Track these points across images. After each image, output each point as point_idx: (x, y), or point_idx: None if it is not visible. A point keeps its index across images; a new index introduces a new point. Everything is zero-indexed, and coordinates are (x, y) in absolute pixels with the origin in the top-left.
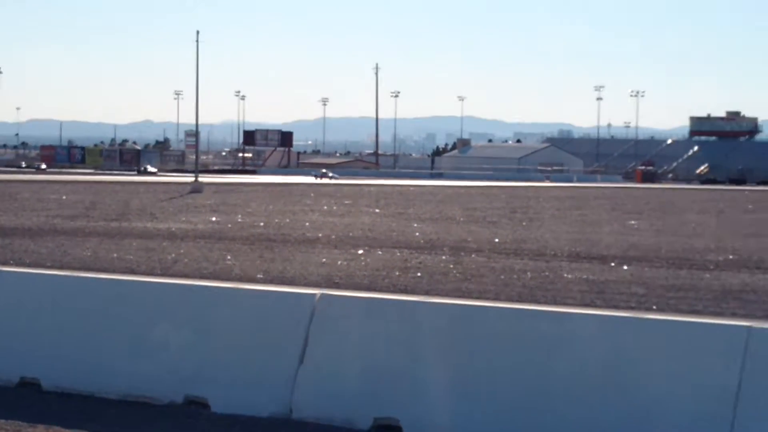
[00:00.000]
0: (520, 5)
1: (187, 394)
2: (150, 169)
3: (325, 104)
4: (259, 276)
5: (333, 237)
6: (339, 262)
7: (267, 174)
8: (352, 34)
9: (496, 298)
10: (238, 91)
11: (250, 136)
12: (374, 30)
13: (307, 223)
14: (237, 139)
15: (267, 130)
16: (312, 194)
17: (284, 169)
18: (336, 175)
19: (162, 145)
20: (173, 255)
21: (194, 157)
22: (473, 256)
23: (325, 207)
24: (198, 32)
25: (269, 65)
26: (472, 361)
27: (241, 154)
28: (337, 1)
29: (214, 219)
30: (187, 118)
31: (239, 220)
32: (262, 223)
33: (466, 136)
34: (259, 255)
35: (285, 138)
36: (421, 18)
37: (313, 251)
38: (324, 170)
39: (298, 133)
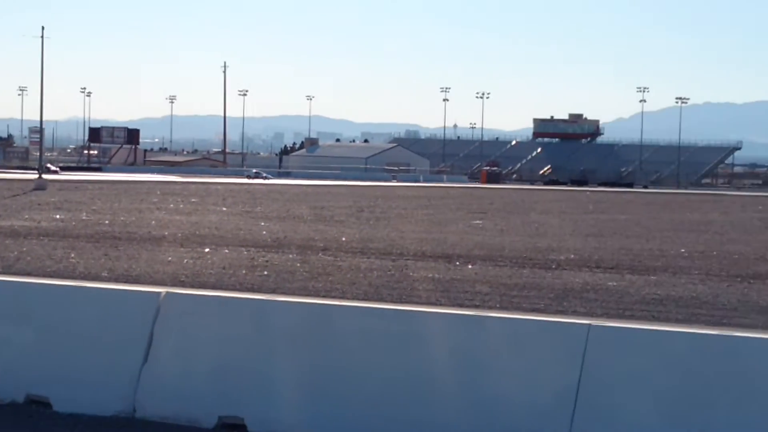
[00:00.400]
0: (367, 6)
1: (29, 393)
2: (52, 168)
3: (172, 102)
4: (104, 274)
5: (179, 235)
6: (185, 261)
7: (113, 171)
8: (201, 32)
9: (343, 297)
10: (84, 88)
11: (95, 134)
12: (223, 28)
13: (153, 221)
14: (83, 136)
15: (113, 128)
16: (158, 192)
17: (131, 166)
18: (270, 176)
19: (6, 142)
20: (15, 253)
21: (38, 153)
22: (320, 254)
23: (172, 205)
24: (43, 28)
25: (116, 62)
26: (320, 360)
27: (86, 152)
28: None
29: (58, 216)
30: (32, 115)
31: (84, 217)
32: (107, 221)
33: (314, 135)
34: (104, 253)
35: (131, 135)
36: (270, 17)
37: (159, 249)
38: (256, 170)
39: (145, 131)
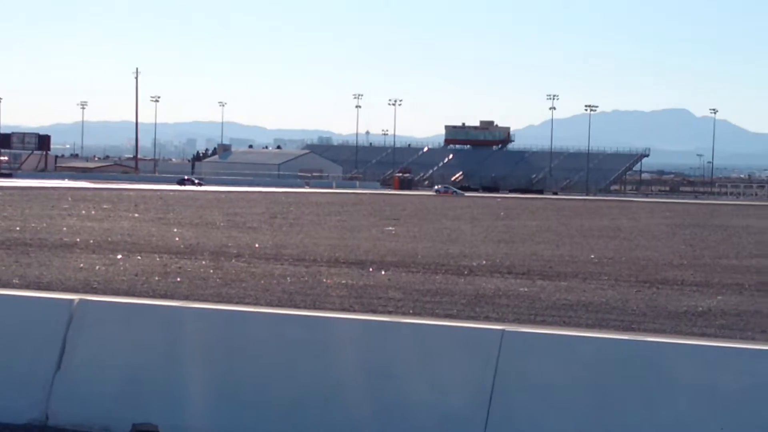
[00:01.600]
0: (279, 12)
1: None
2: (196, 180)
3: (83, 108)
4: (15, 281)
5: (91, 242)
6: (97, 267)
7: (24, 178)
8: (112, 38)
9: (257, 303)
10: None
11: (5, 139)
12: (135, 34)
13: (65, 228)
14: None
15: (24, 133)
16: (70, 198)
17: (42, 173)
18: (459, 191)
19: None
20: None
21: None
22: (233, 261)
23: (84, 212)
24: None
25: (27, 67)
26: (233, 367)
27: None
28: (96, 3)
29: None
30: None
31: None
32: (18, 228)
33: (226, 141)
34: (15, 260)
35: (42, 141)
36: (183, 23)
37: (71, 256)
38: (443, 185)
39: (56, 137)
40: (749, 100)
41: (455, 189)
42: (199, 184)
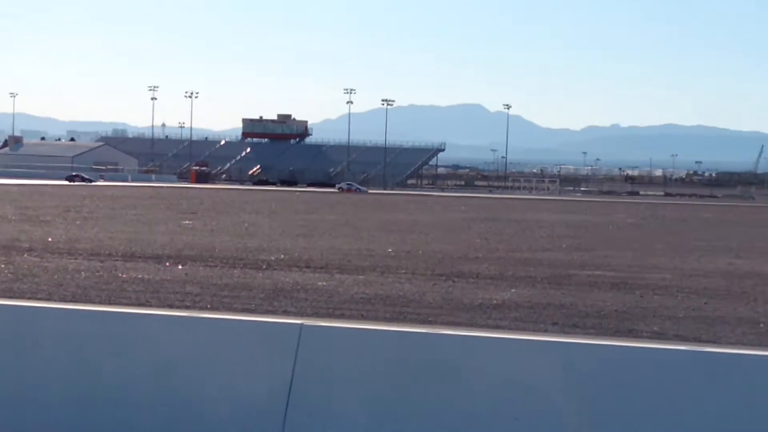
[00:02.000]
0: (71, 2)
1: None
2: (85, 175)
3: None
4: None
5: None
6: None
7: None
8: None
9: (50, 299)
10: None
11: None
12: None
13: None
14: None
15: None
16: None
17: None
18: (362, 189)
19: None
20: None
21: None
22: (25, 255)
23: None
24: None
25: None
26: (24, 365)
27: None
28: None
29: None
30: None
31: None
32: None
33: (18, 133)
34: None
35: None
36: None
37: None
38: (347, 183)
39: None
40: (541, 96)
41: (358, 186)
42: (90, 181)
